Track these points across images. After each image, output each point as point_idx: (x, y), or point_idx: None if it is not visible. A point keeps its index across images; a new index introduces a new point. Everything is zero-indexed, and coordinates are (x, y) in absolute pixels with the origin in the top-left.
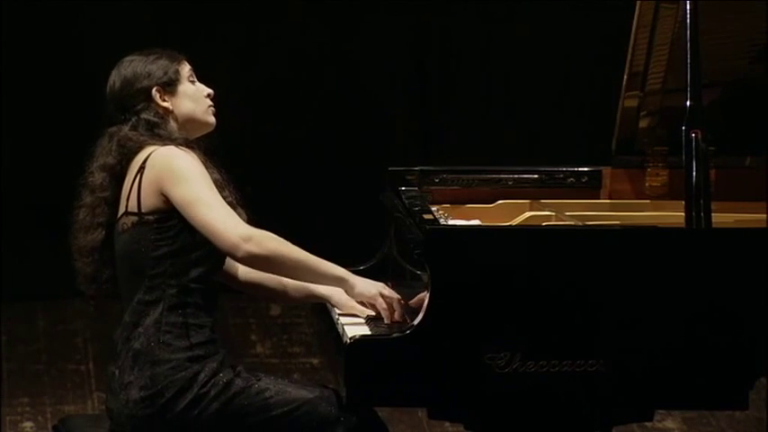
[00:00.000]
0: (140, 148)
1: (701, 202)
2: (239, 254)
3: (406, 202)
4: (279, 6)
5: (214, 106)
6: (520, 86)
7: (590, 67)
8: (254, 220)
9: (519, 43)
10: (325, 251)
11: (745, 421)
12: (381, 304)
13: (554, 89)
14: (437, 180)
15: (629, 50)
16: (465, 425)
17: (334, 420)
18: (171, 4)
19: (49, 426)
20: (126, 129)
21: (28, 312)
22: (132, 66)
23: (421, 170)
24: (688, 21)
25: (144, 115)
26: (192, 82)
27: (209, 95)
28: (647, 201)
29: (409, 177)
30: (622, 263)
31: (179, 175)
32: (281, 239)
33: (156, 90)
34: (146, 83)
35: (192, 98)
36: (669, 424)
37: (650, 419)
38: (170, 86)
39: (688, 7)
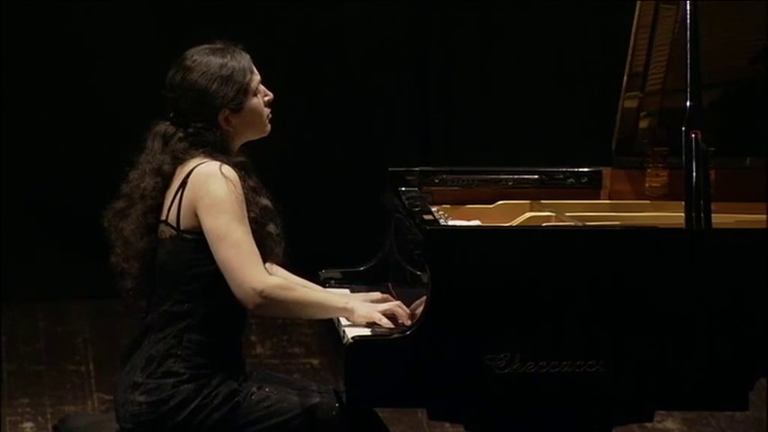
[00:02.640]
0: (192, 157)
1: (701, 202)
2: (249, 306)
3: (406, 202)
4: (277, 4)
5: (272, 111)
6: (520, 87)
7: (590, 67)
8: (287, 253)
9: (519, 43)
10: (325, 251)
11: (745, 422)
12: (383, 320)
13: (554, 89)
14: (437, 180)
15: (629, 51)
16: (465, 425)
17: (334, 426)
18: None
19: (49, 426)
20: (180, 136)
21: (28, 312)
22: (205, 77)
23: (421, 170)
24: (688, 21)
25: (203, 132)
26: (256, 93)
27: (268, 103)
28: (647, 201)
29: (409, 178)
30: (622, 263)
31: (212, 203)
32: (292, 286)
33: (223, 114)
34: (216, 102)
35: (255, 113)
36: (669, 424)
37: (650, 419)
38: (238, 107)
39: (688, 7)
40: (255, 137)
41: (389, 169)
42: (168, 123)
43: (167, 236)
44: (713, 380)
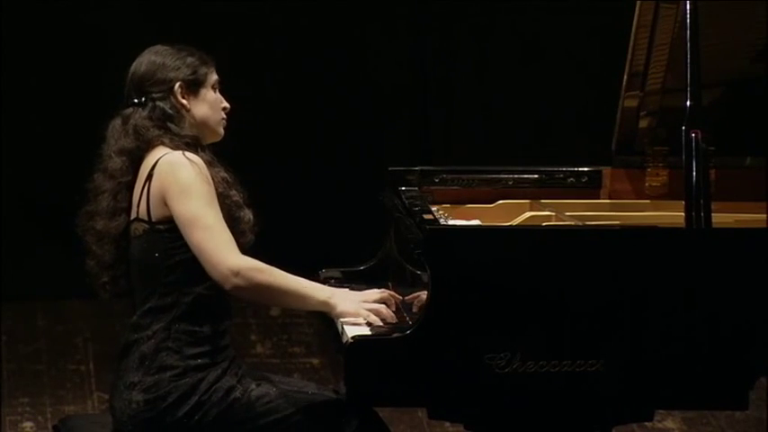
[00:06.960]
0: (151, 146)
1: (701, 202)
2: (226, 286)
3: (407, 202)
4: (277, 4)
5: (227, 120)
6: (520, 86)
7: (590, 67)
8: (257, 220)
9: (519, 43)
10: (325, 251)
11: (745, 421)
12: (368, 315)
13: (554, 89)
14: (437, 180)
15: (629, 50)
16: (465, 425)
17: (334, 424)
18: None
19: (49, 426)
20: (142, 114)
21: (28, 312)
22: (163, 55)
23: (421, 170)
24: (688, 21)
25: (160, 104)
26: (215, 90)
27: (224, 108)
28: (647, 201)
29: (409, 177)
30: (622, 263)
31: (181, 189)
32: (270, 270)
33: (180, 86)
34: (171, 75)
35: (211, 105)
36: (669, 424)
37: (650, 419)
38: (194, 87)
39: (688, 7)
40: (209, 137)
41: (389, 169)
42: (123, 110)
43: (141, 231)
44: (713, 380)
